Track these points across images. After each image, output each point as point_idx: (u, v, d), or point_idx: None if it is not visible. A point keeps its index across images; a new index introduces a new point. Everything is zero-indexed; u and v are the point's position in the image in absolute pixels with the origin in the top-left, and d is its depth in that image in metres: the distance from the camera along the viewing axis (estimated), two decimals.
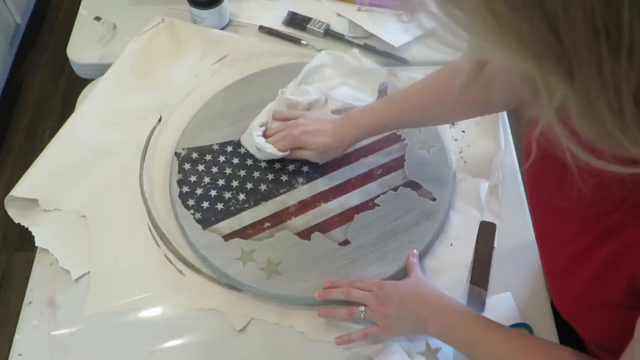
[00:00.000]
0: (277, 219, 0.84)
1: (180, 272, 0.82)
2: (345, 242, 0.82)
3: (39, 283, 0.81)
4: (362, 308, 0.74)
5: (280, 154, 0.87)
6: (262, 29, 1.08)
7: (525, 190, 0.89)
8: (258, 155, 0.89)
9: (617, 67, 0.32)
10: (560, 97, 0.35)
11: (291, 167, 0.89)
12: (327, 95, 0.97)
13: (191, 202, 0.85)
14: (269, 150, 0.87)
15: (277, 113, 0.93)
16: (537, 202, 0.64)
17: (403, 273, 0.79)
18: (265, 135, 0.91)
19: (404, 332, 0.74)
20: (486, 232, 0.85)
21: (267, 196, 0.86)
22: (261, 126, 0.92)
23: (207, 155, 0.90)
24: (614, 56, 0.32)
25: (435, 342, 0.75)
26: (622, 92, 0.33)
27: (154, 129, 0.95)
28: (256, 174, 0.89)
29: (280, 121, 0.93)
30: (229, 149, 0.91)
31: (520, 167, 0.92)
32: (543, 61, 0.34)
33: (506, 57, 0.36)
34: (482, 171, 0.90)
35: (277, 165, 0.90)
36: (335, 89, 0.98)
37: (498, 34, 0.34)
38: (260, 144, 0.87)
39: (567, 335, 0.64)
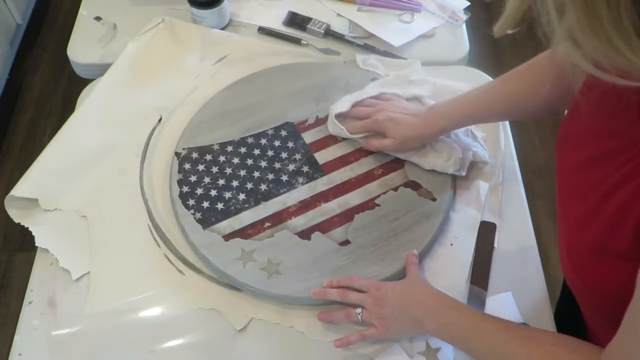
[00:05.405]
0: (277, 219, 0.84)
1: (181, 272, 0.82)
2: (346, 242, 0.82)
3: (39, 283, 0.81)
4: (359, 310, 0.74)
5: (349, 135, 0.90)
6: (261, 30, 1.08)
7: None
8: (343, 135, 0.91)
9: None
10: (569, 18, 0.37)
11: (291, 167, 0.89)
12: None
13: (191, 202, 0.85)
14: (343, 129, 0.90)
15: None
16: (566, 157, 0.63)
17: (403, 273, 0.79)
18: (350, 112, 0.92)
19: (402, 332, 0.74)
20: (486, 232, 0.85)
21: (267, 196, 0.86)
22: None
23: (208, 155, 0.90)
24: None
25: (436, 342, 0.75)
26: None
27: (154, 129, 0.95)
28: (256, 174, 0.89)
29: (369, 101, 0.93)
30: (229, 148, 0.91)
31: (520, 167, 0.92)
32: None
33: None
34: (482, 171, 0.90)
35: (277, 165, 0.90)
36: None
37: None
38: (334, 122, 0.91)
39: (568, 334, 0.64)
